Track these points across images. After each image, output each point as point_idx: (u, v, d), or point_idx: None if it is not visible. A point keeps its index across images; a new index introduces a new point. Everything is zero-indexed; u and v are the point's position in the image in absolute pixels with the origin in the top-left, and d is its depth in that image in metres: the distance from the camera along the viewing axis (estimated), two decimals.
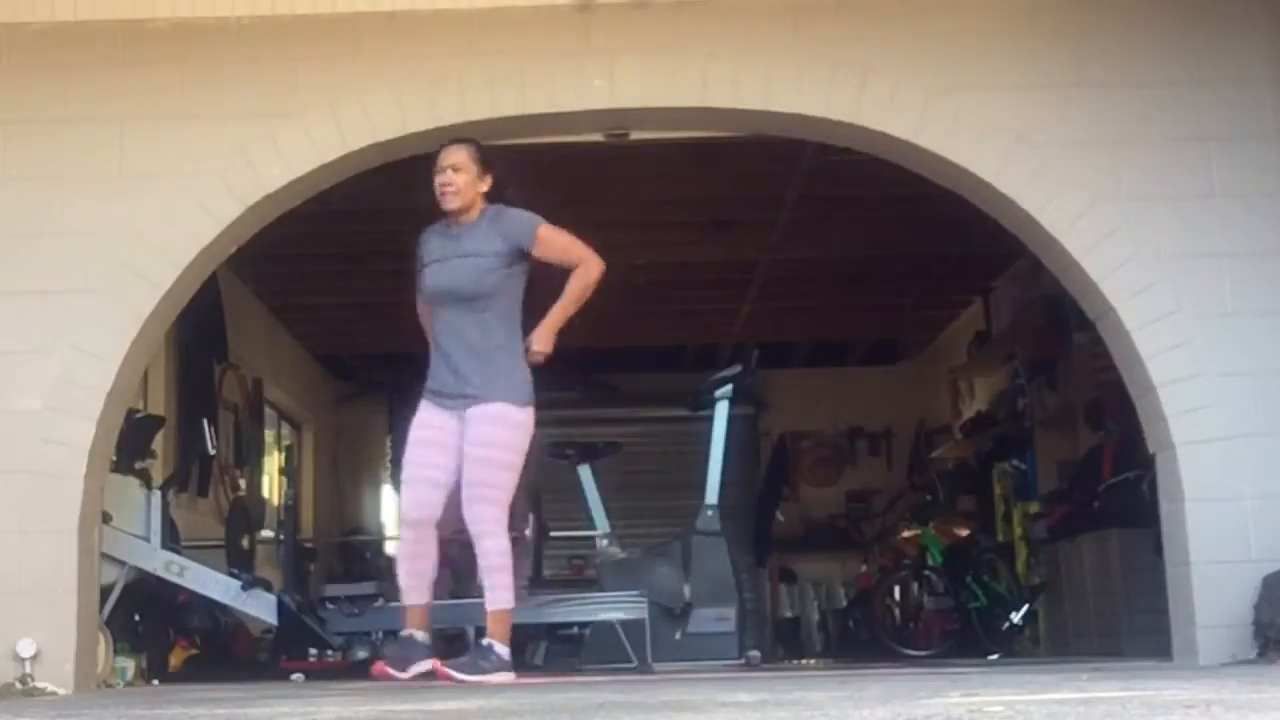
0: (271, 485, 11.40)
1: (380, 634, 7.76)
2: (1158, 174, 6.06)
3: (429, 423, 5.93)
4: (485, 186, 5.95)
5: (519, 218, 5.93)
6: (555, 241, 5.97)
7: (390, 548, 13.40)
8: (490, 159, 5.98)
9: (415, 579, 5.83)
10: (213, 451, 8.96)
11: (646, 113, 6.35)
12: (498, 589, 5.76)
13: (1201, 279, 5.96)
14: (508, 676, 5.63)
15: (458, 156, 5.94)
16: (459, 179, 5.91)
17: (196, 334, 9.06)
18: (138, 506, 7.09)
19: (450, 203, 5.96)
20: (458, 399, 5.89)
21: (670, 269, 10.59)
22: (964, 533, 10.37)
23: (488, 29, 6.19)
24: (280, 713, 3.42)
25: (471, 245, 5.94)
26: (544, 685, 5.30)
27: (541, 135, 6.77)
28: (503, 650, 5.70)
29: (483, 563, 5.78)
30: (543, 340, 6.03)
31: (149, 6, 6.17)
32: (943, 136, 6.10)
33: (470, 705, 3.64)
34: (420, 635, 5.80)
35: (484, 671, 5.58)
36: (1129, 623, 7.74)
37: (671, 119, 6.57)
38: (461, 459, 5.79)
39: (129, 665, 6.53)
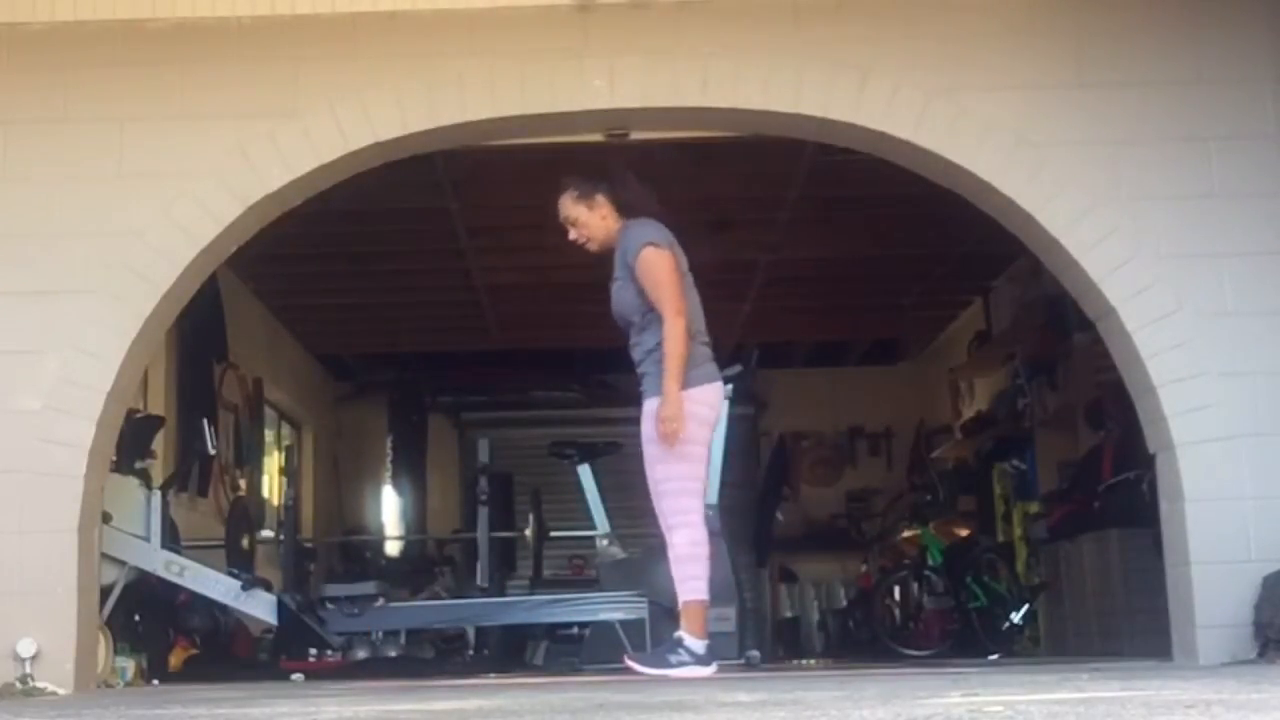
0: (271, 485, 11.40)
1: (380, 634, 7.78)
2: (1158, 174, 6.06)
3: None
4: (605, 212, 5.96)
5: (630, 237, 5.89)
6: (647, 273, 5.82)
7: (390, 548, 13.42)
8: (589, 186, 5.98)
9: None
10: (213, 451, 8.96)
11: (646, 113, 6.34)
12: (685, 581, 5.70)
13: (1201, 279, 5.96)
14: (700, 670, 5.56)
15: (564, 210, 6.02)
16: (579, 231, 6.01)
17: (196, 334, 9.06)
18: (138, 506, 7.10)
19: (592, 249, 6.05)
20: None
21: None
22: (964, 533, 10.36)
23: (488, 29, 6.19)
24: (280, 713, 3.42)
25: (615, 270, 5.99)
26: (544, 685, 5.30)
27: (541, 135, 6.76)
28: (694, 644, 5.62)
29: (670, 555, 5.76)
30: (666, 410, 5.69)
31: (149, 6, 6.17)
32: (943, 136, 6.10)
33: (470, 705, 3.64)
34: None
35: (668, 665, 5.56)
36: (1129, 623, 7.74)
37: (671, 119, 6.56)
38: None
39: (129, 665, 6.53)
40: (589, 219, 5.98)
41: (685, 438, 5.70)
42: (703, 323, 5.95)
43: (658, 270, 5.80)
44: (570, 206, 6.01)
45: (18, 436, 5.87)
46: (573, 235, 6.04)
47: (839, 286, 11.18)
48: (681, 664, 5.56)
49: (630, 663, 5.70)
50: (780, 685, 4.47)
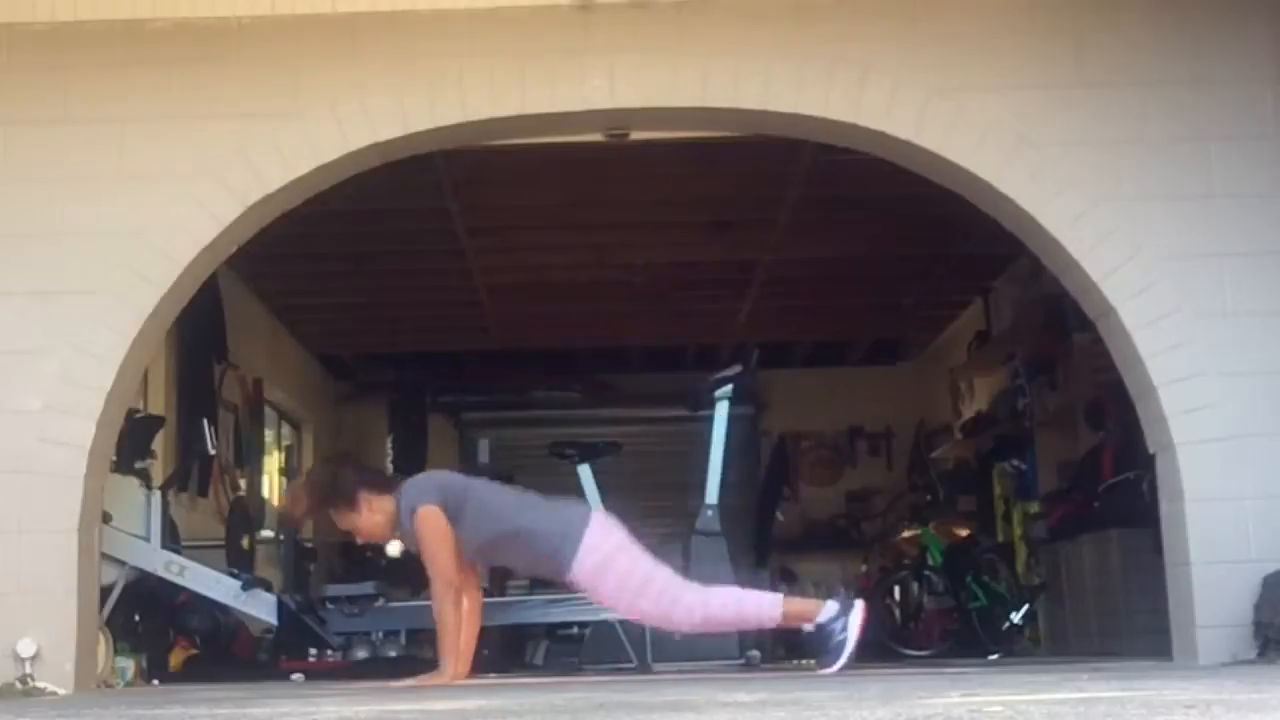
0: (271, 485, 11.40)
1: (380, 634, 7.77)
2: (1158, 174, 6.06)
3: None
4: (372, 503, 5.69)
5: (403, 508, 5.67)
6: (420, 537, 5.65)
7: (390, 548, 13.39)
8: (344, 491, 5.70)
9: None
10: (213, 451, 8.96)
11: (646, 113, 6.35)
12: (755, 619, 5.84)
13: (1201, 279, 5.96)
14: (856, 619, 5.62)
15: (341, 526, 5.82)
16: (362, 536, 5.84)
17: (196, 334, 9.06)
18: (138, 506, 7.10)
19: (381, 542, 5.98)
20: None
21: (670, 269, 10.60)
22: (964, 533, 10.36)
23: (488, 29, 6.19)
24: (280, 713, 3.42)
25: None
26: (544, 685, 5.30)
27: (541, 135, 6.76)
28: (826, 616, 5.64)
29: (722, 626, 5.95)
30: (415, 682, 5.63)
31: (149, 6, 6.17)
32: (943, 136, 6.10)
33: (470, 705, 3.64)
34: None
35: (843, 649, 5.61)
36: (1129, 623, 7.74)
37: (671, 119, 6.56)
38: None
39: (129, 665, 6.53)
40: (362, 520, 5.73)
41: (619, 564, 5.67)
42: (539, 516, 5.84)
43: (425, 534, 5.63)
44: (344, 520, 5.77)
45: (18, 436, 5.87)
46: (361, 541, 5.87)
47: (839, 286, 11.18)
48: (844, 639, 5.60)
49: (823, 672, 5.63)
50: (780, 685, 4.47)
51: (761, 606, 5.74)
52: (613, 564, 5.66)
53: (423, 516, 5.62)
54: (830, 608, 5.68)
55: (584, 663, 7.56)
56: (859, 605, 5.68)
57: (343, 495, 5.70)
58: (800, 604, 5.76)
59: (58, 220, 6.05)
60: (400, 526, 5.71)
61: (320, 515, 5.88)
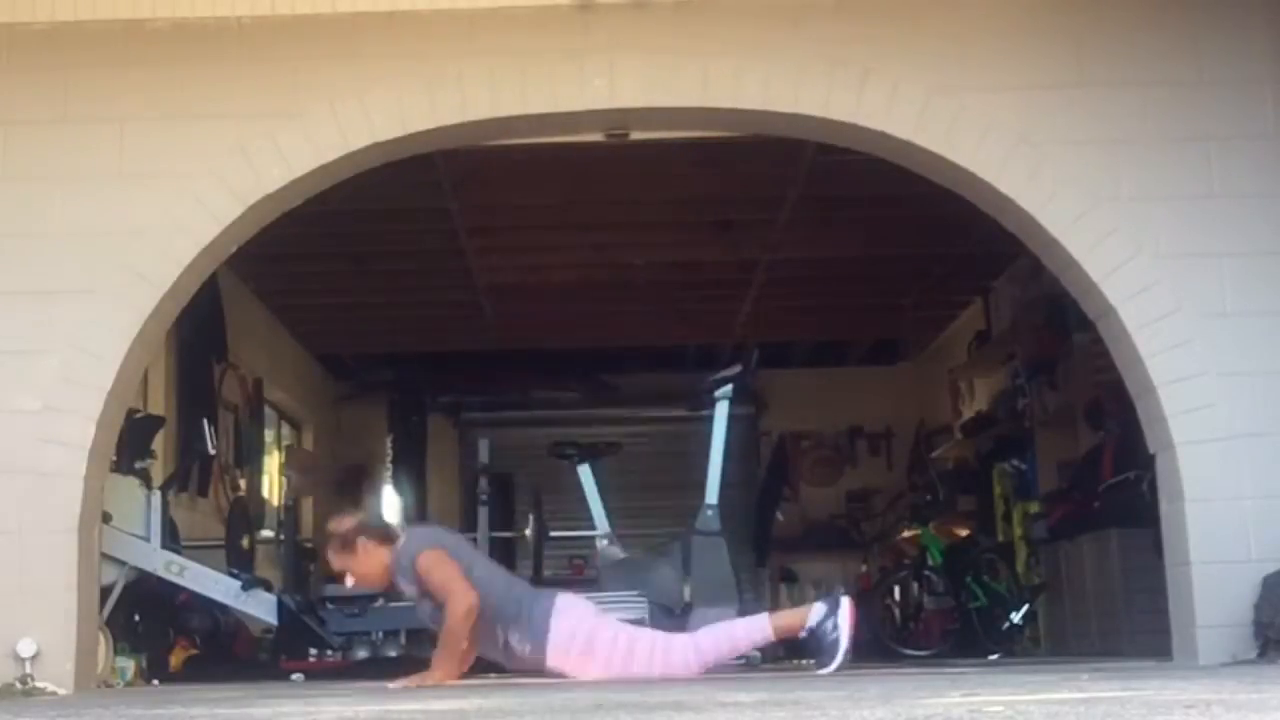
0: (271, 485, 11.40)
1: (380, 634, 7.77)
2: (1158, 174, 6.06)
3: None
4: (368, 548, 5.73)
5: (403, 554, 5.70)
6: (430, 577, 5.65)
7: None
8: (345, 533, 5.75)
9: None
10: (213, 451, 8.96)
11: (646, 113, 6.35)
12: (745, 642, 5.98)
13: (1201, 279, 5.96)
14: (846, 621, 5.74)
15: (335, 566, 5.85)
16: (356, 580, 5.85)
17: (196, 334, 9.06)
18: (138, 506, 7.10)
19: (381, 589, 6.08)
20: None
21: (670, 269, 10.60)
22: (964, 533, 10.36)
23: (488, 29, 6.19)
24: (280, 713, 3.42)
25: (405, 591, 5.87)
26: (544, 685, 5.30)
27: (541, 135, 6.76)
28: (815, 617, 5.75)
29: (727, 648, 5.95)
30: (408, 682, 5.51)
31: (149, 6, 6.17)
32: (943, 136, 6.10)
33: (470, 705, 3.64)
34: None
35: (839, 647, 5.70)
36: (1129, 623, 7.74)
37: (671, 119, 6.56)
38: None
39: (129, 665, 6.53)
40: (357, 563, 5.77)
41: (597, 639, 5.72)
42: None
43: (435, 567, 5.63)
44: (337, 561, 5.81)
45: (18, 436, 5.87)
46: (350, 584, 5.93)
47: (839, 286, 11.18)
48: (837, 637, 5.69)
49: (822, 672, 5.69)
50: (780, 685, 4.48)
51: (752, 631, 5.87)
52: (595, 640, 5.71)
53: (429, 558, 5.65)
54: (818, 610, 5.76)
55: None
56: (845, 602, 5.76)
57: (344, 535, 5.76)
58: (788, 616, 5.86)
59: (58, 220, 6.05)
60: (399, 566, 5.70)
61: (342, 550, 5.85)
